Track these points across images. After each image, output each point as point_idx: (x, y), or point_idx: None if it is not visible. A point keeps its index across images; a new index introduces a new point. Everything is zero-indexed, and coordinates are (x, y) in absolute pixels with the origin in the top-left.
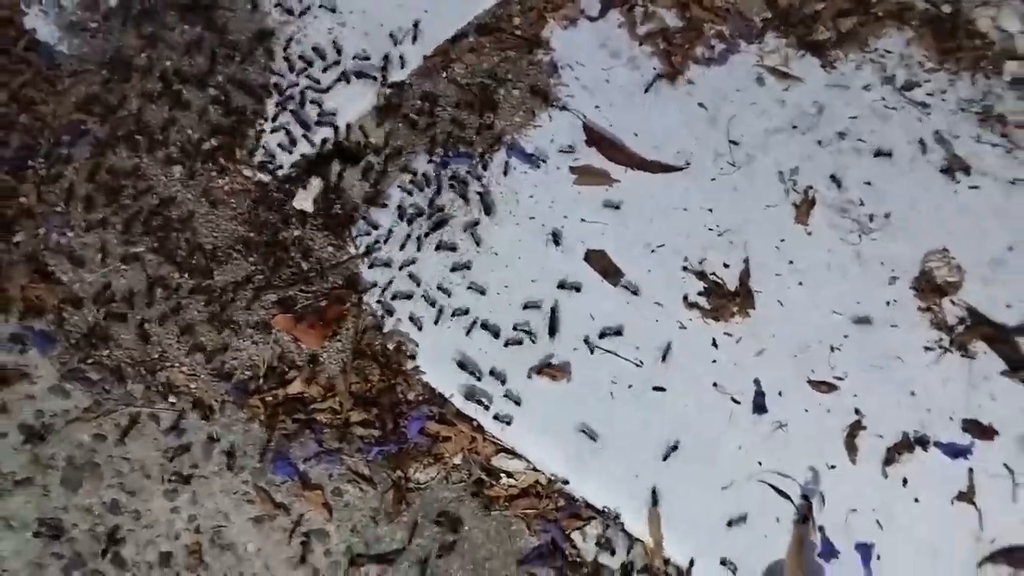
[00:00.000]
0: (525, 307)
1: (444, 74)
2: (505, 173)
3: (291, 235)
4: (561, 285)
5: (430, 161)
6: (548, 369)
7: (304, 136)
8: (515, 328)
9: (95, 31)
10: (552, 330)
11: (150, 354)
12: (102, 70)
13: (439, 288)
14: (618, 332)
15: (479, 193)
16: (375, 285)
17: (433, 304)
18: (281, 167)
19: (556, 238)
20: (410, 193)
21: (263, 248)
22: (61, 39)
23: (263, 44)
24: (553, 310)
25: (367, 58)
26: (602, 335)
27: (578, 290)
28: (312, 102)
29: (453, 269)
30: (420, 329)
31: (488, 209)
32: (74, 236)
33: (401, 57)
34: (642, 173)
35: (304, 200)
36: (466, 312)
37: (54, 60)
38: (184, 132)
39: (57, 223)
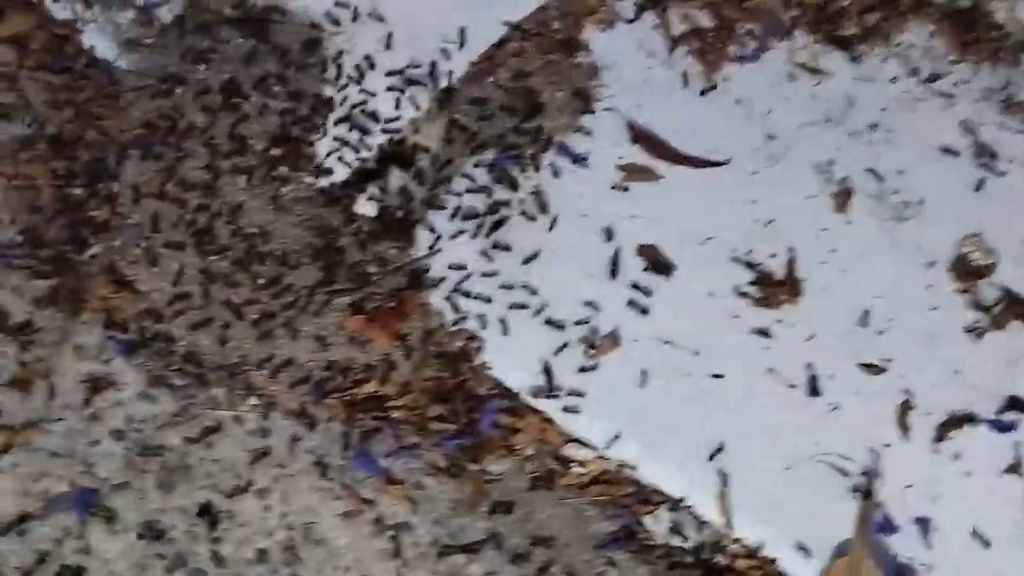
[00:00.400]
0: (585, 303)
1: (491, 79)
2: (555, 174)
3: (356, 239)
4: (614, 276)
5: (480, 165)
6: (604, 345)
7: (360, 143)
8: (577, 323)
9: (152, 47)
10: (609, 323)
11: (230, 359)
12: (162, 84)
13: (501, 286)
14: (673, 322)
15: (532, 193)
16: (440, 284)
17: (496, 301)
18: (341, 173)
19: (609, 234)
20: (465, 195)
21: (331, 253)
22: (119, 55)
23: (315, 54)
24: (609, 304)
25: (417, 66)
26: (657, 326)
27: (635, 286)
28: (366, 110)
29: (513, 267)
30: (485, 326)
31: (542, 208)
32: (149, 247)
33: (449, 64)
34: (686, 169)
35: (366, 205)
36: (528, 308)
37: (114, 76)
38: (246, 143)
39: (132, 235)
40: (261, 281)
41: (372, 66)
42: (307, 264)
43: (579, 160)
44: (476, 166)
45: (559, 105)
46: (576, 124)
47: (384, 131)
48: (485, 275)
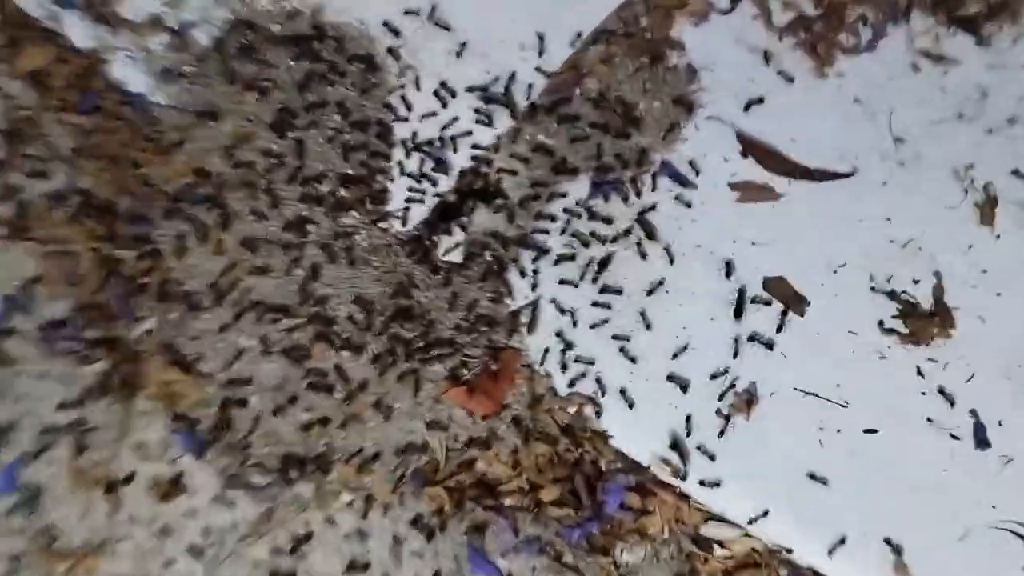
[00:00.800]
0: (711, 352)
1: (577, 91)
2: (657, 199)
3: (443, 292)
4: (740, 316)
5: (574, 194)
6: (739, 403)
7: (436, 175)
8: (706, 377)
9: (192, 76)
10: (741, 375)
11: (314, 449)
12: (208, 121)
13: (615, 336)
14: (815, 370)
15: (637, 222)
16: (543, 339)
17: (610, 356)
18: (418, 214)
19: (729, 267)
20: (561, 231)
21: (416, 310)
22: (156, 88)
23: (376, 74)
24: (737, 351)
25: (492, 82)
26: (797, 374)
27: (765, 328)
28: (440, 136)
29: (626, 313)
30: (601, 387)
31: (650, 239)
32: (211, 319)
33: (528, 77)
34: (807, 183)
35: (450, 250)
36: (647, 362)
37: (151, 113)
38: (310, 185)
39: (189, 305)
40: (343, 352)
41: (444, 84)
42: (392, 326)
43: (686, 181)
44: (569, 195)
45: (657, 116)
46: (678, 138)
47: (463, 160)
48: (595, 325)
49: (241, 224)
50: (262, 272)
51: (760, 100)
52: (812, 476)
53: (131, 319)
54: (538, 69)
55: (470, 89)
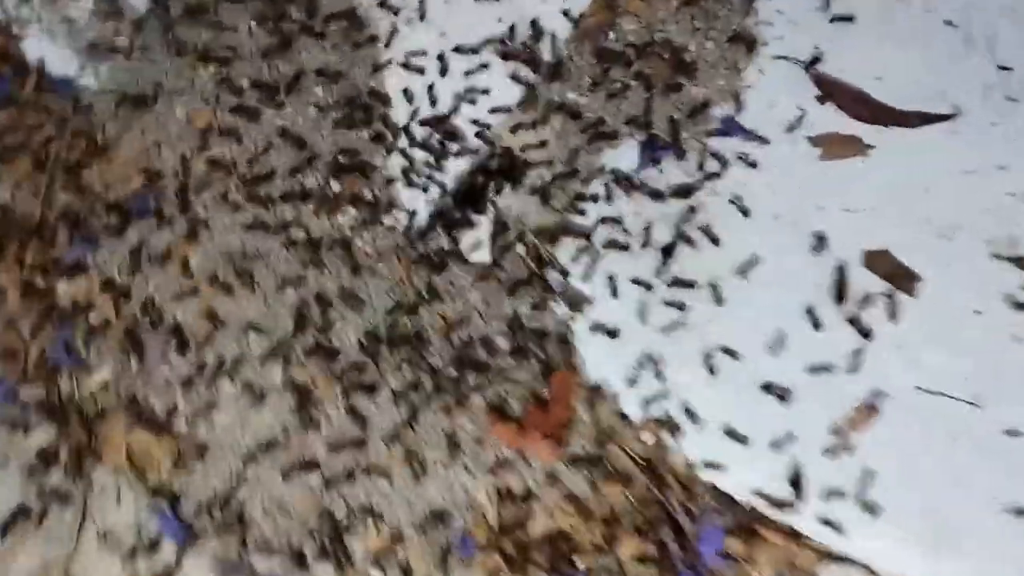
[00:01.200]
0: (812, 351)
1: (612, 35)
2: (725, 164)
3: (472, 303)
4: (841, 301)
5: (610, 172)
6: (856, 417)
7: (447, 152)
8: (809, 382)
9: (129, 50)
10: (853, 378)
11: (332, 516)
12: (153, 106)
13: (692, 342)
14: (936, 360)
15: (697, 194)
16: (602, 351)
17: (689, 366)
18: (427, 202)
19: (820, 241)
20: (608, 212)
21: (441, 328)
22: (83, 68)
23: (362, 29)
24: (844, 347)
25: (508, 33)
26: (919, 370)
27: (873, 314)
28: (451, 109)
29: (701, 310)
30: (683, 408)
31: (719, 218)
32: (183, 363)
33: (552, 22)
34: (900, 130)
35: (475, 248)
36: (736, 371)
37: (81, 101)
38: (296, 179)
39: (154, 348)
40: (355, 392)
41: (448, 39)
42: (412, 352)
43: (755, 136)
44: (612, 168)
45: (712, 60)
46: (740, 85)
47: (478, 134)
48: (666, 329)
49: (209, 236)
50: (241, 295)
51: (849, 18)
52: (935, 508)
53: (80, 371)
54: (564, 13)
55: (487, 43)
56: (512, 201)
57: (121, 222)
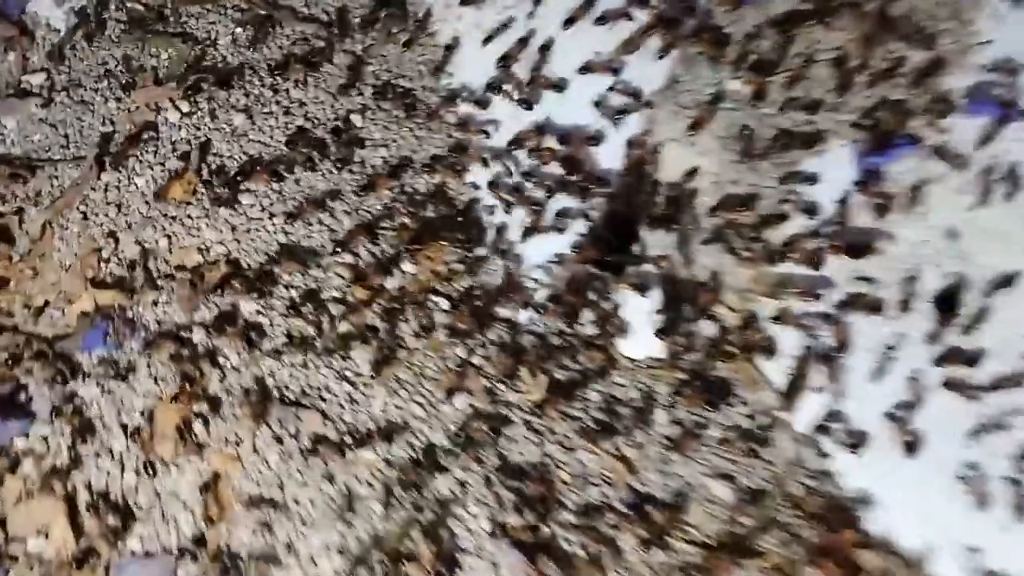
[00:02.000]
0: None
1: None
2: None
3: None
4: None
5: (816, 180)
6: None
7: (558, 189)
8: None
9: (46, 97)
10: None
11: None
12: (98, 171)
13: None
14: None
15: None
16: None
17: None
18: (541, 248)
19: None
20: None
21: (610, 459)
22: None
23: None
24: None
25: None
26: None
27: None
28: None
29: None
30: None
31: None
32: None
33: None
34: None
35: (634, 344)
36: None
37: None
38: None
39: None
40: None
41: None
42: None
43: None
44: (816, 181)
45: (941, 19)
46: (973, 39)
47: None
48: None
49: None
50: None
51: None
52: None
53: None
54: None
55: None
56: (669, 249)
57: (69, 369)
